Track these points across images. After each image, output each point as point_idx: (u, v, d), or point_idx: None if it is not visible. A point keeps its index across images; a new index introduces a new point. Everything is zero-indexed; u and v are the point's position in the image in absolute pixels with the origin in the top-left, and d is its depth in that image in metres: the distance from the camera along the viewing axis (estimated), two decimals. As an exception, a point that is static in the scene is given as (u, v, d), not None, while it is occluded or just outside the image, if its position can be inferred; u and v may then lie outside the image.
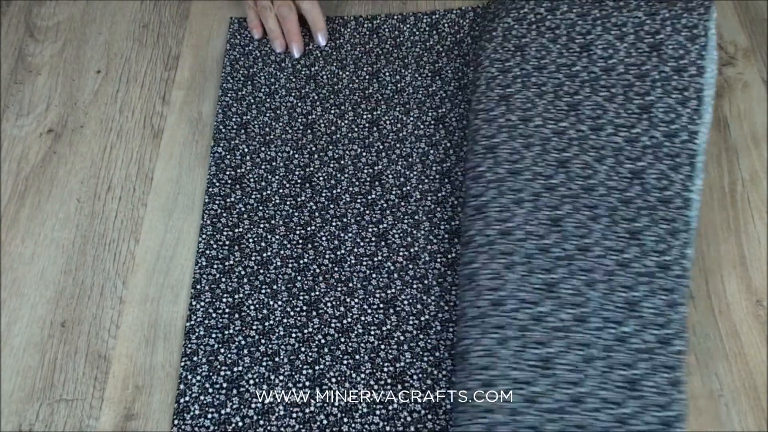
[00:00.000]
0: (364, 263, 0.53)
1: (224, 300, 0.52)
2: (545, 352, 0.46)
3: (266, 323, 0.51)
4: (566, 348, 0.46)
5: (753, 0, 0.66)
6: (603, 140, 0.54)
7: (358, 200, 0.57)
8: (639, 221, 0.50)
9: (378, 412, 0.47)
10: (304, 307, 0.52)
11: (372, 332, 0.50)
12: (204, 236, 0.55)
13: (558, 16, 0.60)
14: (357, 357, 0.49)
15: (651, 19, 0.59)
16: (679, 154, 0.53)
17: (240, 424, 0.47)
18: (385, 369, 0.49)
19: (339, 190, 0.57)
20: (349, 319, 0.51)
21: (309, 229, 0.55)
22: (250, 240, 0.55)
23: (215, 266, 0.53)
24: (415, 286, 0.52)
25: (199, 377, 0.49)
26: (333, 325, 0.51)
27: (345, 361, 0.49)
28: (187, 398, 0.48)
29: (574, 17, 0.60)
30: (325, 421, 0.47)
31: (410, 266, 0.53)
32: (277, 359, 0.49)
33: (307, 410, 0.47)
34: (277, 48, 0.65)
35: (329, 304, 0.52)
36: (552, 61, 0.58)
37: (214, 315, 0.51)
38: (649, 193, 0.51)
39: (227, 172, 0.58)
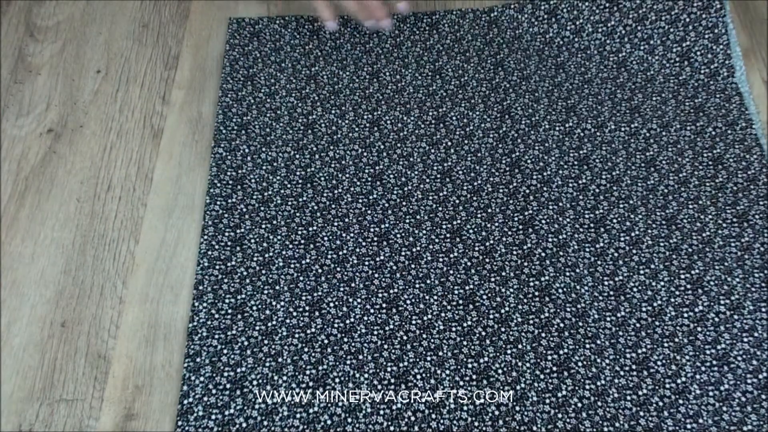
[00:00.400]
0: (366, 263, 0.53)
1: (227, 301, 0.52)
2: None
3: (269, 324, 0.51)
4: None
5: (753, 0, 0.66)
6: (674, 135, 0.58)
7: (360, 200, 0.57)
8: (740, 204, 0.54)
9: (382, 412, 0.47)
10: (307, 308, 0.51)
11: (375, 332, 0.50)
12: (206, 237, 0.55)
13: (585, 38, 0.62)
14: (360, 357, 0.49)
15: (674, 27, 0.61)
16: (744, 138, 0.57)
17: (244, 425, 0.47)
18: (389, 369, 0.49)
19: (340, 191, 0.57)
20: (352, 319, 0.51)
21: (311, 229, 0.55)
22: (252, 241, 0.54)
23: (217, 267, 0.53)
24: (417, 285, 0.52)
25: (202, 378, 0.48)
26: (336, 325, 0.51)
27: (348, 361, 0.49)
28: (190, 400, 0.48)
29: (601, 37, 0.62)
30: (329, 422, 0.47)
31: (413, 266, 0.53)
32: (280, 360, 0.49)
33: (310, 410, 0.47)
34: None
35: (332, 305, 0.51)
36: (595, 76, 0.62)
37: (216, 316, 0.51)
38: (736, 176, 0.55)
39: (228, 173, 0.58)
